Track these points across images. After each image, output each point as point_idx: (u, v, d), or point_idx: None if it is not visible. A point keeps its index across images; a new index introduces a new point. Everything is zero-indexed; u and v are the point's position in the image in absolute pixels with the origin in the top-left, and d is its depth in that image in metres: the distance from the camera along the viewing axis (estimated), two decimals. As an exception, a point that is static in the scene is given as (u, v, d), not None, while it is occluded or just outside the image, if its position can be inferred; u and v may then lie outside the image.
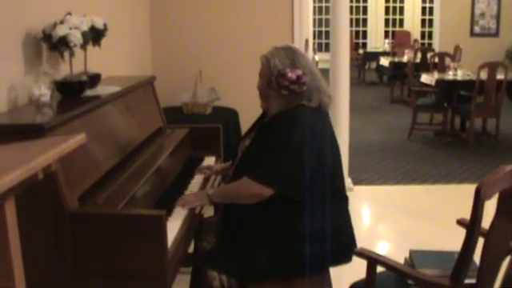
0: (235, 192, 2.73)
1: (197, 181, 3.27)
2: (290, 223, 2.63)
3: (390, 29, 17.91)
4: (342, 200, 2.83)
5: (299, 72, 2.67)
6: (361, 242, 2.84)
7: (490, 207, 2.16)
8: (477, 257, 2.22)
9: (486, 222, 2.17)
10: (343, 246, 2.75)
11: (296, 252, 2.61)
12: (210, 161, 3.69)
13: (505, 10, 15.52)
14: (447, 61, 9.74)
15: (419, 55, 11.13)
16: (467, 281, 2.23)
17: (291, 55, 2.74)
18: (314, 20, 16.85)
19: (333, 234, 2.68)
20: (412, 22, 17.63)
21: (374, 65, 14.35)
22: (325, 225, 2.66)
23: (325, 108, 2.78)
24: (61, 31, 2.91)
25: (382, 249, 4.60)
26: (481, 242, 2.19)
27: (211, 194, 2.82)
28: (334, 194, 2.73)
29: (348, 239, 2.81)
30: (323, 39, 16.87)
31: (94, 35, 3.22)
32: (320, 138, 2.68)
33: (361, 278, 2.58)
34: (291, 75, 2.65)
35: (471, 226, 2.12)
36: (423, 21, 17.51)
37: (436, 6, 16.18)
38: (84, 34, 3.04)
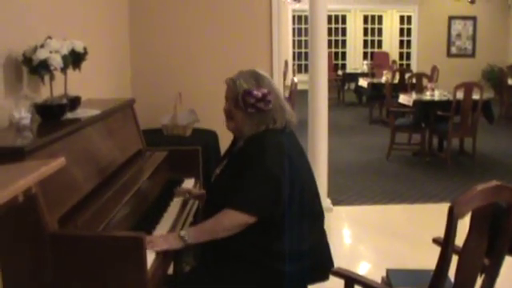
0: (218, 227, 2.64)
1: (176, 203, 3.28)
2: (268, 244, 2.65)
3: (369, 50, 18.10)
4: (319, 218, 2.86)
5: (264, 90, 2.73)
6: (339, 262, 2.87)
7: (466, 225, 2.22)
8: (452, 274, 2.26)
9: (462, 240, 2.22)
10: (320, 264, 2.78)
11: (274, 272, 2.63)
12: (189, 183, 3.72)
13: (480, 31, 15.80)
14: (425, 81, 9.86)
15: (397, 76, 11.25)
16: (442, 298, 2.27)
17: (255, 76, 2.80)
18: (294, 41, 17.01)
19: (310, 251, 2.71)
20: (390, 43, 17.84)
21: (353, 86, 14.48)
22: (302, 243, 2.69)
23: (290, 128, 2.83)
24: (41, 55, 2.93)
25: (360, 268, 4.64)
26: (456, 259, 2.23)
27: (184, 236, 2.62)
28: (310, 212, 2.77)
29: (325, 257, 2.84)
30: (303, 60, 16.99)
31: (74, 59, 3.24)
32: (293, 158, 2.71)
33: (339, 297, 2.62)
34: (257, 93, 2.71)
35: (445, 244, 2.16)
36: (401, 42, 17.73)
37: (414, 27, 16.45)
38: (64, 58, 3.06)
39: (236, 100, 2.77)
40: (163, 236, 2.71)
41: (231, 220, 2.62)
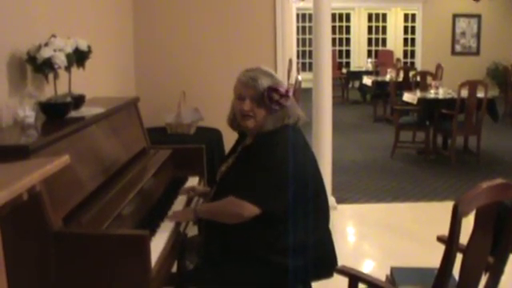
0: (221, 209, 2.74)
1: (180, 201, 3.28)
2: (272, 240, 2.65)
3: (373, 48, 18.09)
4: (324, 214, 2.86)
5: (285, 86, 2.77)
6: (344, 260, 2.87)
7: (471, 223, 2.22)
8: (456, 273, 2.26)
9: (466, 238, 2.22)
10: (324, 260, 2.79)
11: (278, 269, 2.64)
12: (193, 181, 3.72)
13: (485, 29, 15.76)
14: (429, 79, 9.84)
15: (402, 74, 11.22)
16: (447, 297, 2.27)
17: (269, 74, 2.81)
18: (298, 40, 17.00)
19: (314, 246, 2.71)
20: (394, 41, 17.82)
21: (357, 84, 14.47)
22: (306, 240, 2.69)
23: (299, 124, 2.84)
24: (45, 53, 2.94)
25: (365, 266, 4.63)
26: (460, 258, 2.23)
27: (197, 209, 2.89)
28: (315, 209, 2.77)
29: (329, 253, 2.84)
30: (307, 59, 16.99)
31: (79, 57, 3.25)
32: (299, 154, 2.72)
33: (343, 295, 2.62)
34: (282, 89, 2.73)
35: (449, 242, 2.15)
36: (406, 40, 17.70)
37: (418, 25, 16.40)
38: (68, 56, 3.07)
39: (259, 98, 2.76)
40: (181, 210, 3.07)
41: (232, 208, 2.66)
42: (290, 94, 2.77)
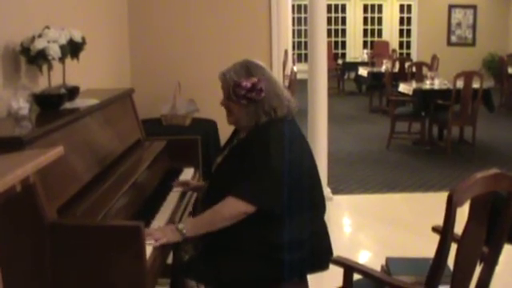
0: (216, 217, 2.63)
1: (174, 194, 3.27)
2: (268, 235, 2.64)
3: (369, 39, 18.06)
4: (319, 208, 2.85)
5: (254, 80, 2.71)
6: (339, 251, 2.86)
7: (466, 214, 2.22)
8: (451, 263, 2.26)
9: (461, 228, 2.22)
10: (320, 254, 2.77)
11: (274, 262, 2.63)
12: (188, 172, 3.71)
13: (481, 19, 15.77)
14: (425, 70, 9.84)
15: (397, 65, 11.22)
16: (441, 287, 2.27)
17: (246, 66, 2.78)
18: (294, 31, 16.97)
19: (309, 241, 2.70)
20: (390, 32, 17.80)
21: (352, 75, 14.44)
22: (302, 234, 2.68)
23: (292, 115, 2.82)
24: (39, 44, 2.93)
25: (360, 256, 4.64)
26: (455, 248, 2.23)
27: (182, 229, 2.61)
28: (311, 203, 2.76)
29: (324, 246, 2.83)
30: (302, 50, 16.96)
31: (73, 48, 3.23)
32: (295, 149, 2.70)
33: (338, 285, 2.62)
34: (246, 83, 2.69)
35: (444, 232, 2.16)
36: (401, 31, 17.68)
37: (414, 16, 16.41)
38: (62, 48, 3.05)
39: (229, 93, 2.76)
40: (161, 229, 2.64)
41: (230, 208, 2.60)
42: (262, 85, 2.71)
